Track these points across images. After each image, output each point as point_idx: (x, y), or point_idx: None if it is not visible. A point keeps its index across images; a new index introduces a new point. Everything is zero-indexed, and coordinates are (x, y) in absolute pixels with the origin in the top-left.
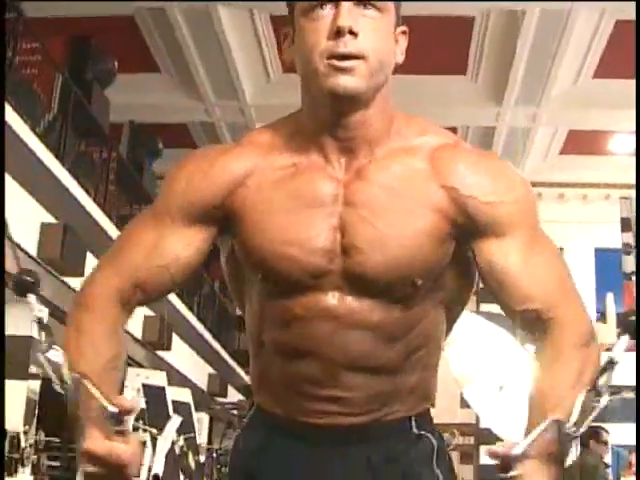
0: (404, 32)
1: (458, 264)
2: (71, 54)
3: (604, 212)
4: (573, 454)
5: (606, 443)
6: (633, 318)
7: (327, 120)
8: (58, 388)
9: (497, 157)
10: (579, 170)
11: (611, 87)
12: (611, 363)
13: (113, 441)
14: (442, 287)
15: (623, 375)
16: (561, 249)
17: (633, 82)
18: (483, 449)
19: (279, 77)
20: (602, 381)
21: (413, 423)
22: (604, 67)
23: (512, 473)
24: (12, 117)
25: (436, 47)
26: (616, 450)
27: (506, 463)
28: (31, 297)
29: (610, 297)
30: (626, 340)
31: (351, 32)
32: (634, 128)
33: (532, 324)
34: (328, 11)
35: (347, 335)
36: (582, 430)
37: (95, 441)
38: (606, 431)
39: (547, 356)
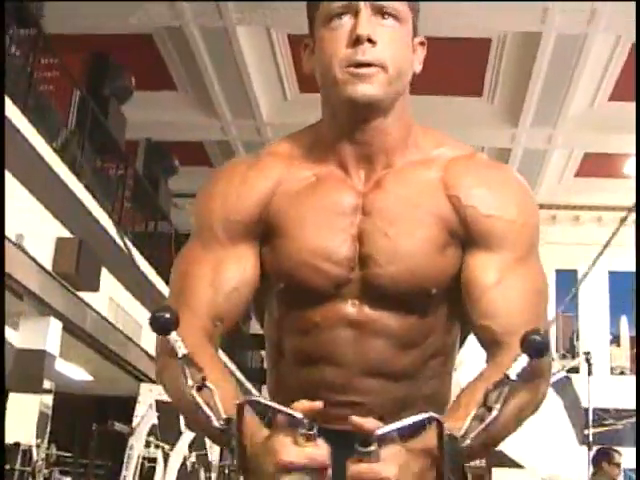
0: (422, 43)
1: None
2: (89, 70)
3: (619, 234)
4: (586, 475)
5: (618, 465)
6: (535, 337)
7: (346, 128)
8: (216, 424)
9: (511, 171)
10: (594, 192)
11: (627, 110)
12: (507, 379)
13: (304, 447)
14: (456, 298)
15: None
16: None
17: None
18: (495, 471)
19: (295, 96)
20: (494, 396)
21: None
22: (620, 90)
23: (370, 448)
24: (30, 131)
25: (453, 69)
26: (628, 474)
27: (366, 438)
28: (173, 335)
29: (624, 320)
30: (525, 361)
31: (370, 40)
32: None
33: (486, 342)
34: (347, 21)
35: (365, 342)
36: (468, 442)
37: (289, 450)
38: (619, 453)
39: (483, 374)
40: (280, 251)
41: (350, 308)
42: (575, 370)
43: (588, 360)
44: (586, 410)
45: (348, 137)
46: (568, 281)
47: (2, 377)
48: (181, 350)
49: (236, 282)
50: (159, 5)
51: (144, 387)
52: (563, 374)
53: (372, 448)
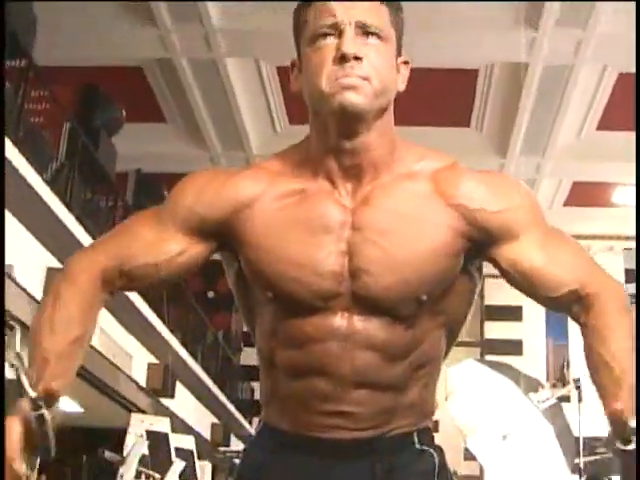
0: (406, 62)
1: (460, 284)
2: (79, 102)
3: (608, 263)
4: None
5: None
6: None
7: (333, 142)
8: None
9: (496, 172)
10: (583, 221)
11: (615, 139)
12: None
13: (24, 427)
14: (444, 309)
15: None
16: None
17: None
18: None
19: (285, 128)
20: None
21: (416, 438)
22: (607, 119)
23: (630, 447)
24: (20, 162)
25: (441, 99)
26: None
27: (623, 432)
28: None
29: None
30: None
31: (356, 57)
32: (636, 176)
33: (573, 305)
34: (333, 40)
35: (355, 354)
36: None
37: (11, 419)
38: None
39: (598, 328)
40: (263, 262)
41: (340, 321)
42: (566, 399)
43: (578, 387)
44: (577, 438)
45: (335, 151)
46: None
47: (2, 378)
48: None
49: (161, 260)
50: (149, 37)
51: (135, 417)
52: (554, 401)
53: (632, 447)
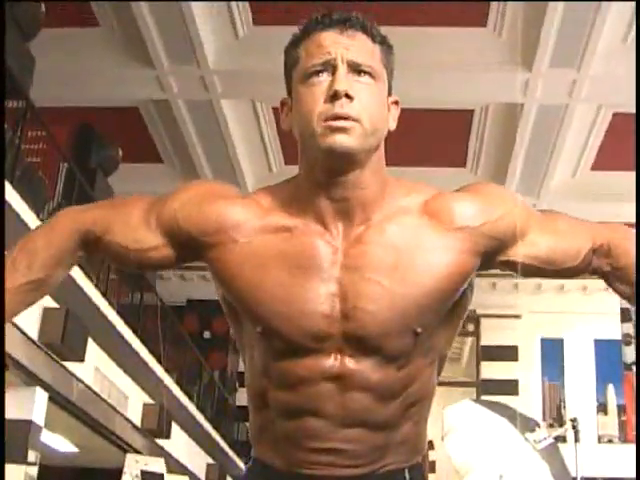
0: (396, 102)
1: (451, 315)
2: (76, 142)
3: (604, 303)
4: None
5: None
6: None
7: (323, 181)
8: None
9: (474, 185)
10: None
11: (609, 179)
12: None
13: None
14: (435, 345)
15: (624, 468)
16: (561, 340)
17: (631, 174)
18: None
19: (281, 168)
20: None
21: (407, 475)
22: (602, 159)
23: None
24: (17, 202)
25: (436, 140)
26: None
27: None
28: None
29: (611, 389)
30: None
31: (347, 96)
32: (633, 219)
33: (593, 261)
34: (325, 78)
35: (347, 395)
36: None
37: None
38: None
39: (624, 265)
40: (246, 297)
41: (332, 362)
42: (562, 439)
43: (575, 427)
44: (574, 478)
45: (325, 191)
46: (554, 350)
47: (2, 378)
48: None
49: (137, 248)
50: (146, 78)
51: (130, 458)
52: (551, 441)
53: None
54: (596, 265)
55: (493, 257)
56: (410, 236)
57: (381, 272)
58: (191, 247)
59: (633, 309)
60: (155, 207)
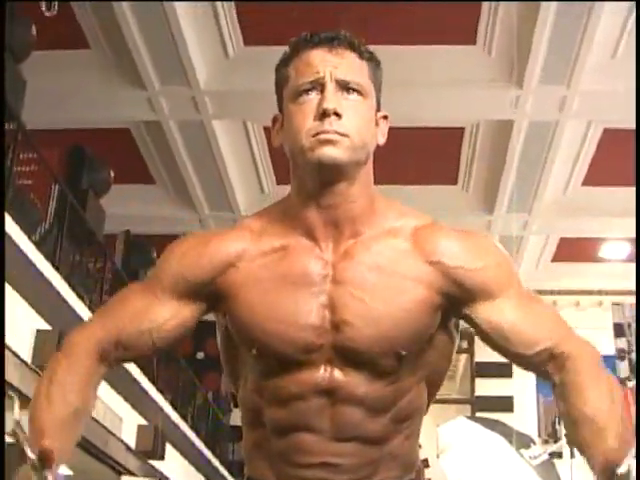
0: (385, 117)
1: (439, 340)
2: (67, 164)
3: (597, 318)
4: None
5: None
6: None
7: (313, 195)
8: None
9: (474, 231)
10: (571, 277)
11: (600, 195)
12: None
13: None
14: (425, 363)
15: None
16: None
17: (622, 189)
18: None
19: (273, 189)
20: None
21: None
22: (593, 175)
23: None
24: (9, 225)
25: (427, 157)
26: None
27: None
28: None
29: None
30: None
31: (336, 114)
32: (624, 235)
33: (547, 364)
34: (314, 96)
35: (337, 409)
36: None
37: None
38: None
39: (574, 386)
40: (241, 320)
41: (322, 375)
42: (558, 455)
43: None
44: None
45: (315, 205)
46: None
47: (2, 379)
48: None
49: (153, 326)
50: (137, 99)
51: None
52: (546, 457)
53: None
54: (547, 370)
55: (458, 306)
56: (393, 258)
57: (364, 289)
58: (208, 294)
59: (626, 324)
60: (152, 283)
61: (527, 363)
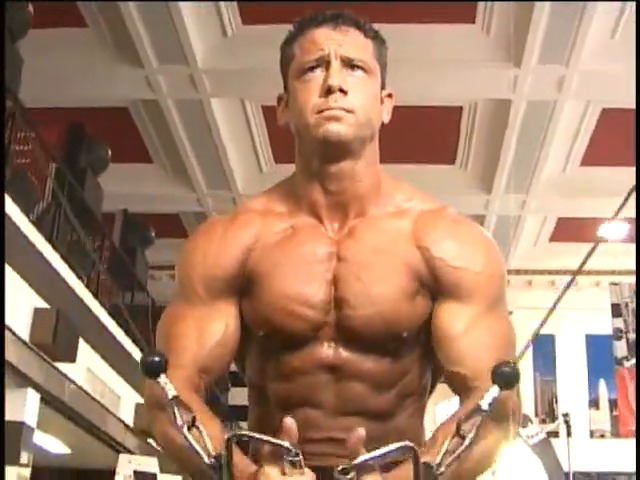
0: (390, 95)
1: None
2: (65, 143)
3: (595, 299)
4: None
5: None
6: (505, 369)
7: (318, 174)
8: (207, 461)
9: (478, 226)
10: (569, 257)
11: (598, 175)
12: (479, 409)
13: (291, 475)
14: (428, 341)
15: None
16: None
17: (620, 169)
18: None
19: (271, 167)
20: (467, 426)
21: None
22: (591, 155)
23: (348, 477)
24: (8, 204)
25: (426, 137)
26: None
27: (345, 467)
28: (162, 378)
29: (602, 384)
30: (495, 392)
31: (341, 90)
32: (622, 214)
33: (458, 387)
34: (319, 73)
35: (342, 385)
36: (442, 470)
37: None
38: None
39: (456, 414)
40: (259, 301)
41: (327, 351)
42: (555, 434)
43: (567, 422)
44: (567, 473)
45: (320, 184)
46: (545, 346)
47: (2, 378)
48: (171, 392)
49: (219, 337)
50: (135, 78)
51: (122, 458)
52: (543, 436)
53: (350, 476)
54: (458, 394)
55: (431, 294)
56: (391, 240)
57: (363, 268)
58: (240, 285)
59: (623, 304)
60: (190, 296)
61: (444, 375)
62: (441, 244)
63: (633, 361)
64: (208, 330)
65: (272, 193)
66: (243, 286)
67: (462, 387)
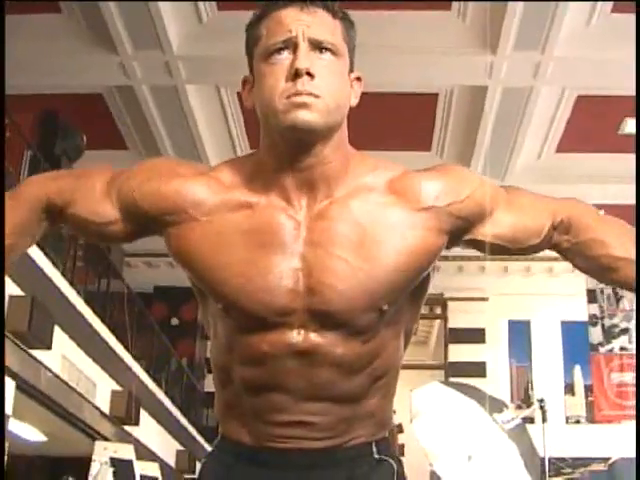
0: (358, 78)
1: (418, 286)
2: (40, 130)
3: (570, 285)
4: None
5: None
6: None
7: (286, 157)
8: None
9: (444, 166)
10: None
11: (573, 162)
12: None
13: None
14: (401, 318)
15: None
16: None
17: (595, 156)
18: None
19: (246, 153)
20: None
21: (374, 448)
22: (567, 142)
23: None
24: None
25: (401, 123)
26: None
27: None
28: None
29: (578, 370)
30: None
31: (309, 74)
32: (597, 201)
33: (553, 237)
34: (286, 56)
35: (313, 370)
36: None
37: None
38: None
39: (591, 240)
40: (209, 275)
41: (296, 337)
42: (530, 420)
43: (542, 407)
44: (542, 459)
45: (289, 166)
46: (521, 331)
47: (2, 377)
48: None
49: (94, 220)
50: (110, 64)
51: (99, 445)
52: (519, 421)
53: None
54: (556, 241)
55: (459, 236)
56: (376, 213)
57: (346, 249)
58: (149, 225)
59: (598, 290)
60: (116, 182)
61: (541, 248)
62: (438, 195)
63: (608, 347)
64: (95, 206)
65: (242, 165)
66: (152, 228)
67: (554, 232)
